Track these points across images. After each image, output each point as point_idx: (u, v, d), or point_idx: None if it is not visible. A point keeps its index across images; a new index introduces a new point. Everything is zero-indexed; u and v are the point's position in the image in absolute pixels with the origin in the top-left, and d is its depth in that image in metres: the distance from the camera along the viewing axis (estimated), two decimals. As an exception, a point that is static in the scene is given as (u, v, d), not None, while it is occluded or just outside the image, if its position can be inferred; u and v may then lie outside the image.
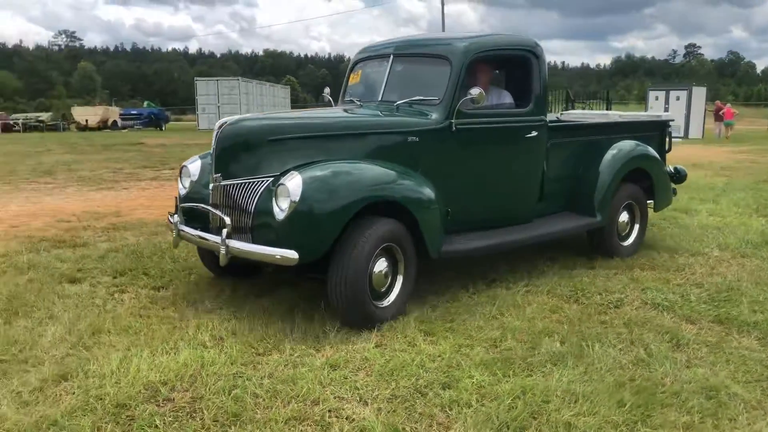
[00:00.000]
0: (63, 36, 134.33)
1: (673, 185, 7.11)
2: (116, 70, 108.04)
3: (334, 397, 3.43)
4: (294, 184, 4.17)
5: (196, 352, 3.91)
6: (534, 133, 5.52)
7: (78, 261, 6.17)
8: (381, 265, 4.46)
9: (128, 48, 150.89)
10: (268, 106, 43.58)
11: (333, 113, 5.45)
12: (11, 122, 42.21)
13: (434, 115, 5.02)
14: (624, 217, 6.43)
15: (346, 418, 3.22)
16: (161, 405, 3.32)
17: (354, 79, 6.02)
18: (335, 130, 4.84)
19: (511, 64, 5.82)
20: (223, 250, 4.29)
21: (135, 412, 3.23)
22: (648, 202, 6.71)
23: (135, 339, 4.17)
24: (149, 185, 12.55)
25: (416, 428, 3.15)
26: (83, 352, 3.96)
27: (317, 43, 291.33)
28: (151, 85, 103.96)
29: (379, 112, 5.26)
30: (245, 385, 3.51)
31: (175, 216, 4.91)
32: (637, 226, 6.59)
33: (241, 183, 4.44)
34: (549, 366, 3.82)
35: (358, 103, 5.67)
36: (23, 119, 43.55)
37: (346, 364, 3.84)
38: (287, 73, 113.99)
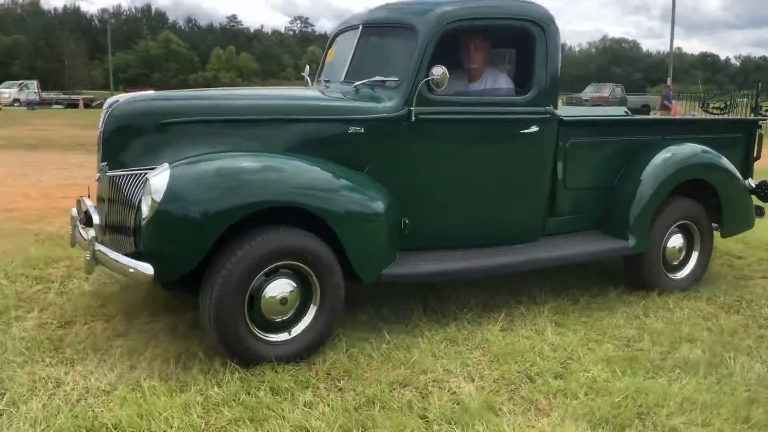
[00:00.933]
0: (298, 22, 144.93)
1: (759, 203, 5.49)
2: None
3: (443, 370, 3.54)
4: (159, 180, 3.30)
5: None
6: (534, 129, 4.28)
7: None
8: (279, 289, 3.50)
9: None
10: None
11: (254, 93, 4.41)
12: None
13: (389, 101, 3.98)
14: (676, 241, 4.99)
15: (448, 390, 3.33)
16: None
17: (330, 55, 5.03)
18: (248, 115, 3.83)
19: (513, 40, 4.69)
20: (88, 255, 3.50)
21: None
22: (714, 225, 5.23)
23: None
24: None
25: (513, 410, 3.17)
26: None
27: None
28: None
29: (335, 95, 4.28)
30: (363, 347, 3.75)
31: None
32: (695, 255, 5.11)
33: (128, 174, 3.61)
34: (677, 372, 3.61)
35: (325, 83, 4.74)
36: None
37: (465, 341, 3.93)
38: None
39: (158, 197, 3.25)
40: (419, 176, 4.08)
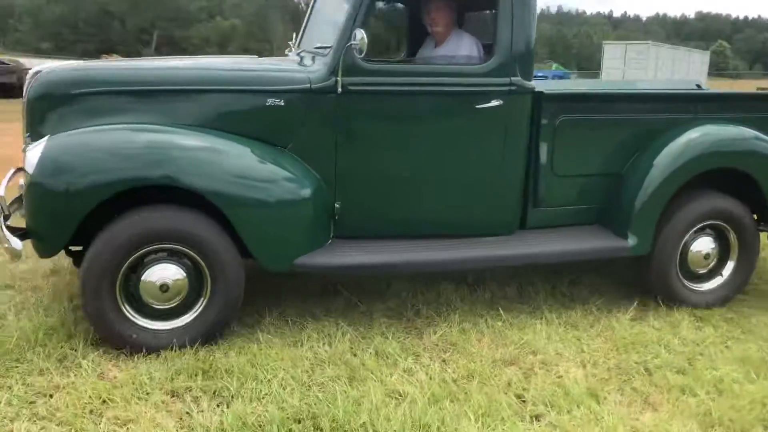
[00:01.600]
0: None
1: None
2: (538, 33, 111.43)
3: (555, 353, 3.45)
4: (34, 153, 3.16)
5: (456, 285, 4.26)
6: (495, 103, 3.64)
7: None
8: (161, 275, 3.23)
9: (553, 11, 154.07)
10: (680, 73, 40.62)
11: (170, 63, 4.00)
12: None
13: (314, 70, 3.57)
14: (703, 245, 4.10)
15: (554, 374, 3.24)
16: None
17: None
18: (156, 85, 3.49)
19: (479, 1, 4.07)
20: None
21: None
22: (761, 225, 4.28)
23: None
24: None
25: (619, 400, 3.03)
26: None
27: (759, 3, 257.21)
28: (569, 48, 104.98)
29: (274, 65, 3.88)
30: (477, 323, 3.75)
31: None
32: (731, 264, 4.17)
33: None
34: (825, 382, 3.22)
35: (293, 51, 4.28)
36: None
37: (587, 327, 3.78)
38: (720, 37, 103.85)
39: (31, 170, 3.13)
40: (352, 156, 3.59)
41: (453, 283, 4.30)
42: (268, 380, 3.03)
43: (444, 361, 3.34)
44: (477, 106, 3.64)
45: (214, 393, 2.93)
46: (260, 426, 2.66)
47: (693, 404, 2.99)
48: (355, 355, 3.32)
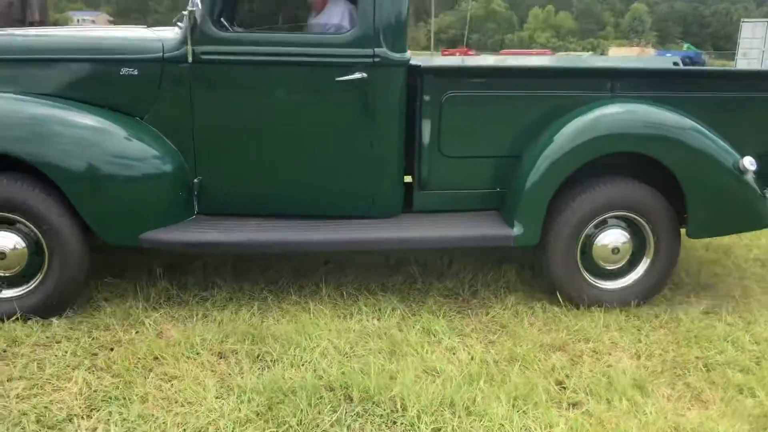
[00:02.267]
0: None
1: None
2: (670, 12, 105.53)
3: (609, 342, 3.33)
4: None
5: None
6: (358, 75, 3.39)
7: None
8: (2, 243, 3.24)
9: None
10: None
11: (24, 31, 3.90)
12: (554, 60, 45.70)
13: (169, 39, 3.46)
14: (611, 239, 3.64)
15: (604, 362, 3.14)
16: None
17: None
18: (14, 53, 3.45)
19: None
20: None
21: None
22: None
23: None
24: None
25: (668, 394, 2.89)
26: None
27: None
28: (705, 27, 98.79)
29: (149, 30, 3.83)
30: (533, 305, 3.67)
31: None
32: (646, 261, 3.71)
33: None
34: None
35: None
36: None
37: (652, 318, 3.61)
38: None
39: None
40: (209, 129, 3.47)
41: (515, 265, 4.22)
42: (311, 348, 3.12)
43: (490, 342, 3.31)
44: (337, 79, 3.41)
45: (257, 357, 3.06)
46: (292, 391, 2.74)
47: (749, 405, 2.80)
48: (401, 331, 3.35)
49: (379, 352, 3.12)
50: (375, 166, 3.57)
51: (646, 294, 3.71)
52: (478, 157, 3.67)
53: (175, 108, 3.44)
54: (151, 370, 2.92)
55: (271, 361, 3.03)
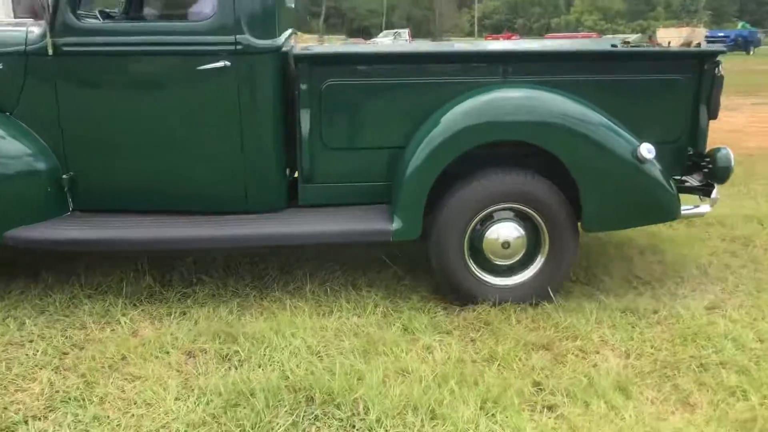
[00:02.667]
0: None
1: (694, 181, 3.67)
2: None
3: (599, 339, 3.16)
4: None
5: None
6: (221, 64, 3.26)
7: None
8: None
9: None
10: None
11: None
12: (602, 43, 44.59)
13: (32, 31, 3.34)
14: (501, 231, 3.41)
15: (589, 362, 2.97)
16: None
17: None
18: None
19: None
20: None
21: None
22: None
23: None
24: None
25: (653, 397, 2.72)
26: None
27: None
28: (763, 4, 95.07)
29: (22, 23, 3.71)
30: (556, 306, 3.48)
31: None
32: (541, 258, 3.47)
33: None
34: None
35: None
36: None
37: (649, 314, 3.42)
38: None
39: None
40: (76, 124, 3.37)
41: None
42: (282, 348, 3.03)
43: (471, 340, 3.17)
44: (199, 68, 3.27)
45: (225, 356, 2.99)
46: (252, 392, 2.66)
47: (738, 409, 2.61)
48: (380, 328, 3.24)
49: (353, 352, 3.01)
50: (248, 159, 3.41)
51: (542, 292, 3.46)
52: (364, 149, 3.49)
53: (42, 102, 3.35)
54: (117, 370, 2.88)
55: (239, 360, 2.95)
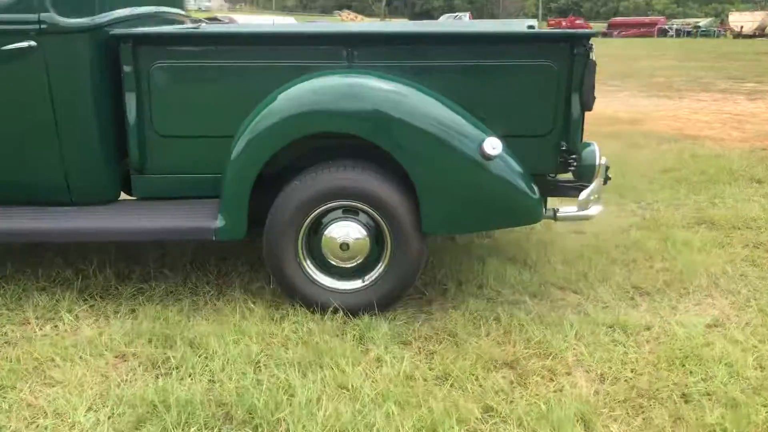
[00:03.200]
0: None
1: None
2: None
3: (574, 359, 2.82)
4: None
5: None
6: (26, 44, 2.94)
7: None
8: None
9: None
10: None
11: None
12: (666, 27, 43.05)
13: None
14: (340, 231, 3.09)
15: (555, 384, 2.64)
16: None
17: None
18: None
19: None
20: None
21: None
22: None
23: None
24: (710, 98, 11.41)
25: (610, 427, 2.37)
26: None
27: None
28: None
29: None
30: (501, 311, 3.18)
31: None
32: (383, 263, 3.12)
33: None
34: None
35: None
36: (678, 25, 43.87)
37: (640, 331, 3.05)
38: None
39: None
40: None
41: (503, 258, 3.73)
42: (220, 355, 2.80)
43: (430, 353, 2.87)
44: (2, 48, 2.97)
45: (158, 362, 2.77)
46: (167, 406, 2.43)
47: (716, 452, 2.25)
48: (335, 336, 2.97)
49: (294, 364, 2.75)
50: (65, 147, 3.12)
51: (383, 301, 3.14)
52: (199, 137, 3.19)
53: None
54: (40, 373, 2.69)
55: (170, 368, 2.73)
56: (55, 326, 3.07)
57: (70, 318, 3.11)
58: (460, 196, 3.02)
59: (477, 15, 61.63)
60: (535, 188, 3.05)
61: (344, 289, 3.16)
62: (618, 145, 6.94)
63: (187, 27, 3.73)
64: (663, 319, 3.14)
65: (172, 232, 3.09)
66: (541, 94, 3.11)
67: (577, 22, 52.44)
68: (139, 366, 2.75)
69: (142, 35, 3.14)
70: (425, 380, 2.66)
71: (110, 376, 2.68)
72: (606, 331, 3.03)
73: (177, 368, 2.72)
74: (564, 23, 52.46)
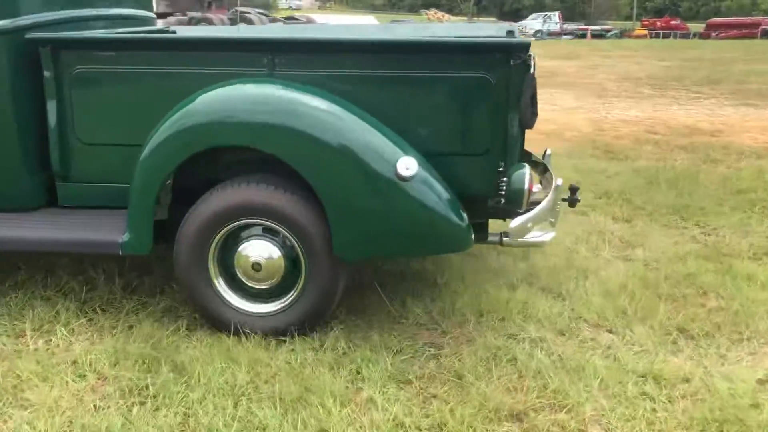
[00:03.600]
0: None
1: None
2: None
3: (592, 414, 2.48)
4: None
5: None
6: None
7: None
8: None
9: None
10: None
11: None
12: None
13: None
14: (253, 250, 2.89)
15: (565, 446, 2.31)
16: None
17: None
18: None
19: None
20: None
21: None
22: None
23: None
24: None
25: None
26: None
27: None
28: None
29: None
30: (520, 352, 2.86)
31: None
32: (297, 287, 2.89)
33: None
34: None
35: None
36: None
37: (679, 381, 2.68)
38: None
39: None
40: None
41: (537, 288, 3.41)
42: (202, 385, 2.61)
43: (429, 397, 2.59)
44: None
45: (133, 389, 2.60)
46: (131, 442, 2.27)
47: None
48: (330, 370, 2.73)
49: (278, 399, 2.52)
50: None
51: (297, 328, 2.91)
52: (122, 145, 3.03)
53: None
54: (17, 394, 2.57)
55: (147, 396, 2.56)
56: (49, 341, 2.96)
57: (65, 333, 3.00)
58: (372, 218, 2.77)
59: (568, 15, 60.05)
60: (463, 213, 2.77)
61: (256, 313, 2.96)
62: (691, 160, 6.42)
63: (119, 31, 3.56)
64: (706, 371, 2.75)
65: (79, 244, 2.99)
66: (477, 109, 2.82)
67: (673, 22, 50.19)
68: (115, 392, 2.59)
69: (62, 39, 3.03)
70: (418, 429, 2.39)
71: (85, 400, 2.54)
72: (636, 381, 2.67)
73: (154, 396, 2.55)
74: (659, 23, 50.33)
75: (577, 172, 5.77)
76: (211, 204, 2.85)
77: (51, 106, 3.04)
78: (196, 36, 3.41)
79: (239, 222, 2.86)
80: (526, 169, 2.80)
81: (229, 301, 2.95)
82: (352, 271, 3.11)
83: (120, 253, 2.89)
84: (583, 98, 11.12)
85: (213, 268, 2.93)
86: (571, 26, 49.59)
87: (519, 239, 2.86)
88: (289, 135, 2.73)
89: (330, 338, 2.94)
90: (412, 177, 2.64)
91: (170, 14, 20.92)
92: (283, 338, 2.93)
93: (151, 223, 2.87)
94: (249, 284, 2.95)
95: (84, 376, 2.69)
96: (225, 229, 2.87)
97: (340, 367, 2.75)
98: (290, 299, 2.92)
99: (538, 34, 44.41)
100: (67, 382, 2.65)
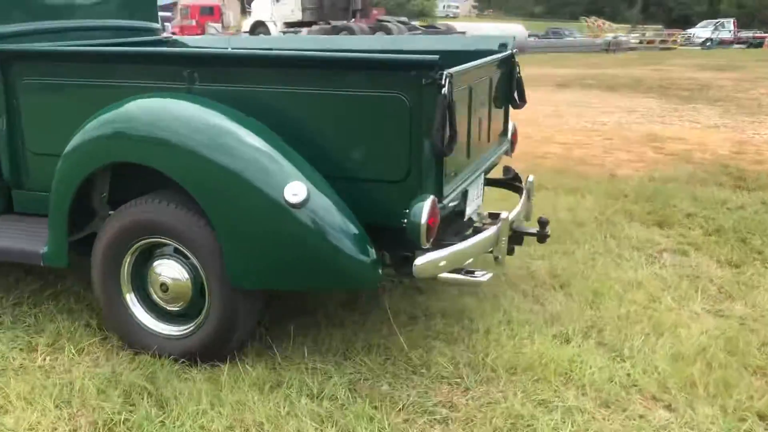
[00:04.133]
0: None
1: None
2: None
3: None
4: None
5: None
6: None
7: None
8: None
9: None
10: None
11: None
12: None
13: None
14: (164, 269, 2.76)
15: None
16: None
17: None
18: None
19: None
20: None
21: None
22: None
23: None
24: None
25: None
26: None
27: None
28: None
29: None
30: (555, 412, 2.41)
31: None
32: (203, 312, 2.69)
33: None
34: None
35: None
36: None
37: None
38: None
39: None
40: None
41: (596, 347, 2.91)
42: (177, 426, 2.41)
43: (444, 422, 2.21)
44: None
45: (110, 423, 2.45)
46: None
47: None
48: (321, 423, 2.43)
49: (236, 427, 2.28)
50: None
51: (202, 355, 2.76)
52: None
53: None
54: (1, 416, 2.51)
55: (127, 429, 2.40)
56: (55, 359, 2.90)
57: (73, 352, 2.92)
58: (262, 246, 2.57)
59: (746, 21, 55.37)
60: (368, 246, 2.51)
61: (163, 334, 2.84)
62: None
63: (69, 43, 3.46)
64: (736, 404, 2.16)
65: (4, 252, 3.00)
66: (394, 132, 2.52)
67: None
68: (88, 425, 2.44)
69: (9, 51, 3.08)
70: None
71: (58, 431, 2.41)
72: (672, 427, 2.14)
73: (137, 432, 2.37)
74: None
75: (693, 201, 5.06)
76: (118, 220, 2.80)
77: (1, 117, 3.12)
78: (122, 49, 3.36)
79: (148, 240, 2.78)
80: (427, 201, 2.42)
81: (139, 319, 2.87)
82: (261, 301, 2.86)
83: (41, 264, 2.90)
84: (731, 115, 9.96)
85: (124, 284, 2.87)
86: (746, 34, 45.69)
87: (453, 277, 2.64)
88: (178, 153, 2.60)
89: (330, 384, 2.64)
90: (301, 203, 2.44)
91: (314, 23, 21.49)
92: (282, 380, 2.67)
93: (64, 235, 2.85)
94: (161, 304, 2.86)
95: (69, 402, 2.58)
96: (135, 246, 2.79)
97: (333, 423, 2.43)
98: (194, 325, 2.78)
99: (708, 43, 41.31)
100: (48, 408, 2.54)
